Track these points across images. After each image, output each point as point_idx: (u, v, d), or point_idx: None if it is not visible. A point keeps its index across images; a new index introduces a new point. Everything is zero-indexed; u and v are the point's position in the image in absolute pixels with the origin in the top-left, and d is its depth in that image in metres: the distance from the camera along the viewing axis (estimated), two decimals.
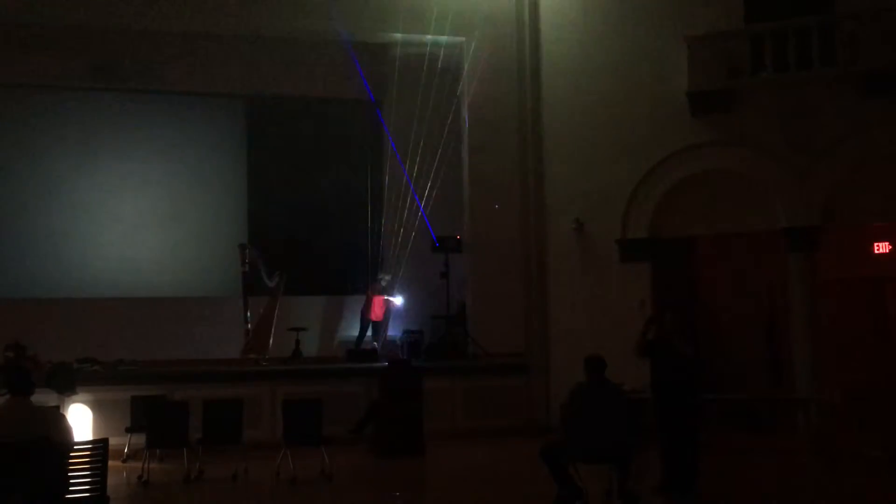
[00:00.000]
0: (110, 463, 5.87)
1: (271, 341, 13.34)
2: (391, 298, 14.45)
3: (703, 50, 12.62)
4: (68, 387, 10.61)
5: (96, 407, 10.91)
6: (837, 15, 12.39)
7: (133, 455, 10.20)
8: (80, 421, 10.45)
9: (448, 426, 12.21)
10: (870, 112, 12.04)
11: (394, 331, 14.84)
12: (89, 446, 5.74)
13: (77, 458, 5.62)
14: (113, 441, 6.33)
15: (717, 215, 12.93)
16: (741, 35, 12.62)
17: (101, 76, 14.68)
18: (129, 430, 10.34)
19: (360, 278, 14.87)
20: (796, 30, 12.22)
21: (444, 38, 14.07)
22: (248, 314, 13.27)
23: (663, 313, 8.71)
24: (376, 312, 14.30)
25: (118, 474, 9.34)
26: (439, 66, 14.23)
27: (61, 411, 8.79)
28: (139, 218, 14.98)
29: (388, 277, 14.44)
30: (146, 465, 9.34)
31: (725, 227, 12.93)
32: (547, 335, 13.62)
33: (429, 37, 14.10)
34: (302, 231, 15.05)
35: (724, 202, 12.92)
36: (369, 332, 14.29)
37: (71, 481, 5.55)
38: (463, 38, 14.30)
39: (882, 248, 13.70)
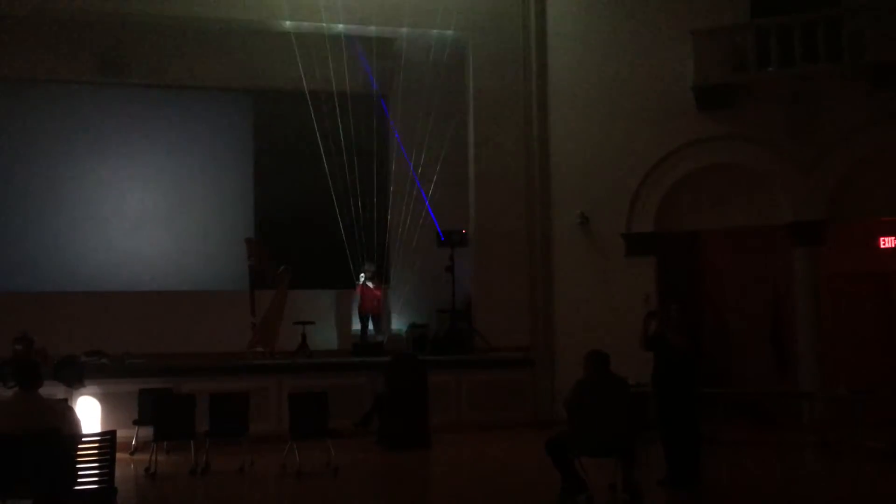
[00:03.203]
0: (118, 455, 5.91)
1: (278, 335, 13.36)
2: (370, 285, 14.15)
3: (708, 44, 12.61)
4: (76, 379, 10.64)
5: (104, 399, 10.97)
6: (843, 8, 12.37)
7: (140, 447, 10.27)
8: (89, 413, 10.52)
9: (453, 419, 12.28)
10: (876, 106, 12.03)
11: (398, 324, 14.86)
12: (97, 438, 5.77)
13: (85, 451, 5.66)
14: (120, 433, 6.39)
15: (722, 209, 12.93)
16: (747, 29, 12.62)
17: (107, 71, 14.70)
18: (136, 423, 10.39)
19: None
20: (802, 23, 12.20)
21: (449, 33, 14.06)
22: (255, 308, 13.29)
23: (666, 307, 8.72)
24: (368, 305, 14.27)
25: (126, 466, 9.44)
26: (445, 60, 14.24)
27: (69, 404, 8.86)
28: (146, 211, 15.04)
29: (372, 267, 14.37)
30: (153, 458, 9.37)
31: (731, 221, 12.92)
32: (552, 329, 13.65)
33: (434, 31, 14.12)
34: (308, 224, 15.06)
35: (729, 196, 12.92)
36: (370, 326, 14.29)
37: (79, 473, 5.60)
38: (469, 33, 14.30)
39: (888, 242, 13.66)
